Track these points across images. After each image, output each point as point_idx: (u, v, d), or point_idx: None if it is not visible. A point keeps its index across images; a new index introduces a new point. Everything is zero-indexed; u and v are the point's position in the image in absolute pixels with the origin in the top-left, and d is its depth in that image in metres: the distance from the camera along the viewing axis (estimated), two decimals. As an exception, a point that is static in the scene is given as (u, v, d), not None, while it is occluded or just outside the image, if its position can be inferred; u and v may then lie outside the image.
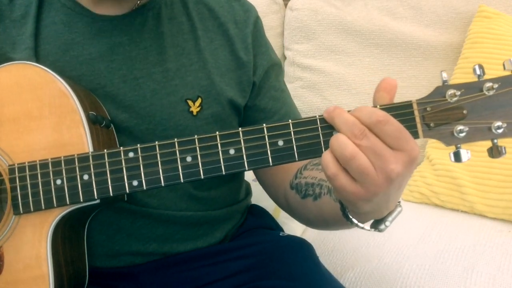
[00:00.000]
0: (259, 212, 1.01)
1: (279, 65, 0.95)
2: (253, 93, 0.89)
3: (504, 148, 0.60)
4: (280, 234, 0.94)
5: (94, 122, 0.72)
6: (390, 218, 0.65)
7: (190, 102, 0.82)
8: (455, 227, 1.15)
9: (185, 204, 0.85)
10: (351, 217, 0.66)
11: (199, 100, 0.82)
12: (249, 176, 1.32)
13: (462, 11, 1.45)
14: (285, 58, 1.59)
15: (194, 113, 0.82)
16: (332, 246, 1.15)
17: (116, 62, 0.79)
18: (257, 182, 1.01)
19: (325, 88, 1.54)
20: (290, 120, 0.63)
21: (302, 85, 1.57)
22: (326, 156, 0.59)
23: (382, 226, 0.66)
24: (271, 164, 0.63)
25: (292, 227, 1.23)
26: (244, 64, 0.87)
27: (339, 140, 0.58)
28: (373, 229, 0.66)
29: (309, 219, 0.84)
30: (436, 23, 1.47)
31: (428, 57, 1.48)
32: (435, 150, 1.31)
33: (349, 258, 1.09)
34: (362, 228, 0.66)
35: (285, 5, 1.58)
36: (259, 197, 1.25)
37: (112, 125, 0.78)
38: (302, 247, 0.88)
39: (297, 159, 0.63)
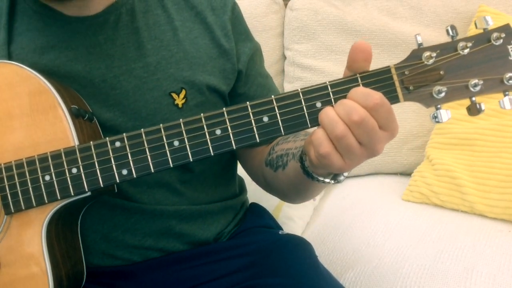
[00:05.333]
0: (259, 211, 1.01)
1: (260, 50, 0.96)
2: (241, 81, 0.89)
3: (483, 104, 0.61)
4: (280, 232, 0.94)
5: (77, 115, 0.72)
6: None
7: (174, 95, 0.81)
8: (455, 227, 1.15)
9: (177, 198, 0.85)
10: (311, 172, 0.68)
11: (183, 92, 0.82)
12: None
13: (462, 11, 1.45)
14: (285, 58, 1.58)
15: (180, 105, 0.82)
16: (332, 246, 1.15)
17: (94, 62, 0.78)
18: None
19: (325, 88, 1.54)
20: (273, 96, 0.64)
21: (302, 85, 1.55)
22: (319, 134, 0.61)
23: (341, 178, 0.68)
24: (258, 140, 0.64)
25: (292, 227, 1.23)
26: (227, 52, 0.86)
27: (330, 117, 0.60)
28: (333, 181, 0.68)
29: (283, 191, 0.86)
30: (436, 23, 1.47)
31: (428, 57, 1.48)
32: (435, 150, 1.31)
33: (349, 258, 1.09)
34: (323, 181, 0.68)
35: (285, 5, 1.58)
36: (259, 197, 1.25)
37: (95, 118, 0.77)
38: (300, 245, 0.89)
39: (283, 133, 0.64)
